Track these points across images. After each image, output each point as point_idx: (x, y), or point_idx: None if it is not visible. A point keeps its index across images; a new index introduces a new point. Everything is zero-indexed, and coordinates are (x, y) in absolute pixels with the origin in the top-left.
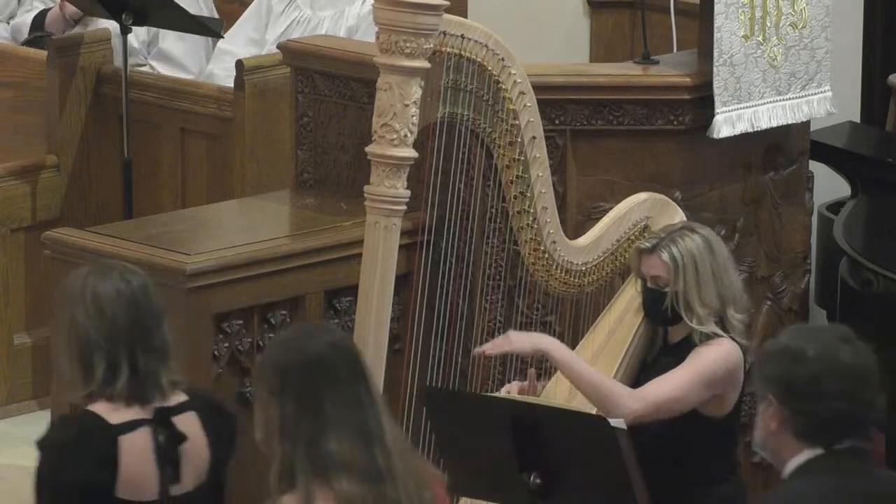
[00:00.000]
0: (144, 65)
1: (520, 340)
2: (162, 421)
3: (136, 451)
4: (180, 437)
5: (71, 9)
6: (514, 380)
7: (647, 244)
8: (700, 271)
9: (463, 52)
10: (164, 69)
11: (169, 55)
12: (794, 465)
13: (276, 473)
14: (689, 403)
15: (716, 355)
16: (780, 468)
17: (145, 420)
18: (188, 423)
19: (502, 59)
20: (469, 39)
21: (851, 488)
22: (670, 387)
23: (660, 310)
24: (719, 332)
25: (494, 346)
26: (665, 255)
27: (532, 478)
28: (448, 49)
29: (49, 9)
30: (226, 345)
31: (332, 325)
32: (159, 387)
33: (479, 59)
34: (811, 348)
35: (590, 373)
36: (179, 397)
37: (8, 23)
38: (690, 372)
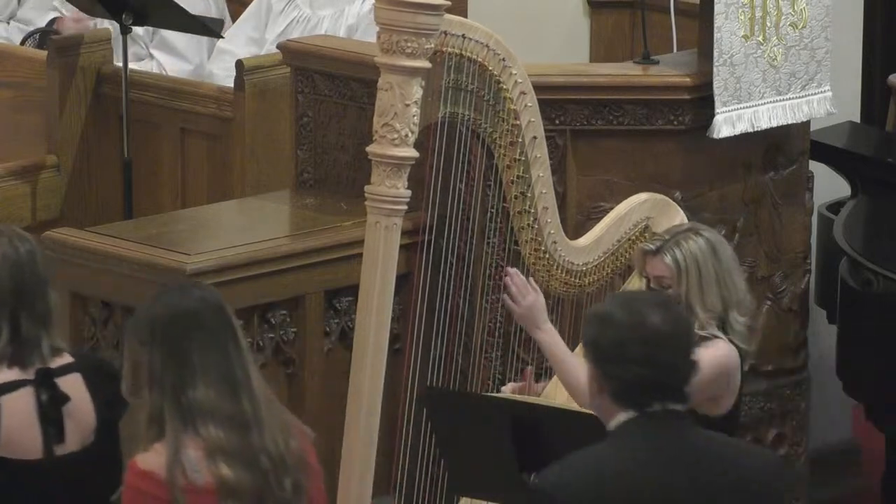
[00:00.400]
0: (144, 57)
1: (525, 314)
2: (44, 381)
3: (18, 411)
4: (63, 398)
5: (70, 29)
6: (514, 380)
7: (651, 246)
8: (703, 275)
9: (464, 52)
10: (164, 59)
11: (171, 45)
12: (612, 426)
13: (146, 422)
14: None
15: (706, 360)
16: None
17: (27, 381)
18: (72, 384)
19: (503, 59)
20: (470, 39)
21: (662, 450)
22: None
23: None
24: (718, 333)
25: (514, 292)
26: (668, 258)
27: (532, 478)
28: (449, 49)
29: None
30: None
31: (204, 283)
32: (39, 351)
33: (479, 59)
34: (620, 313)
35: (580, 377)
36: (64, 359)
37: (8, 23)
38: None
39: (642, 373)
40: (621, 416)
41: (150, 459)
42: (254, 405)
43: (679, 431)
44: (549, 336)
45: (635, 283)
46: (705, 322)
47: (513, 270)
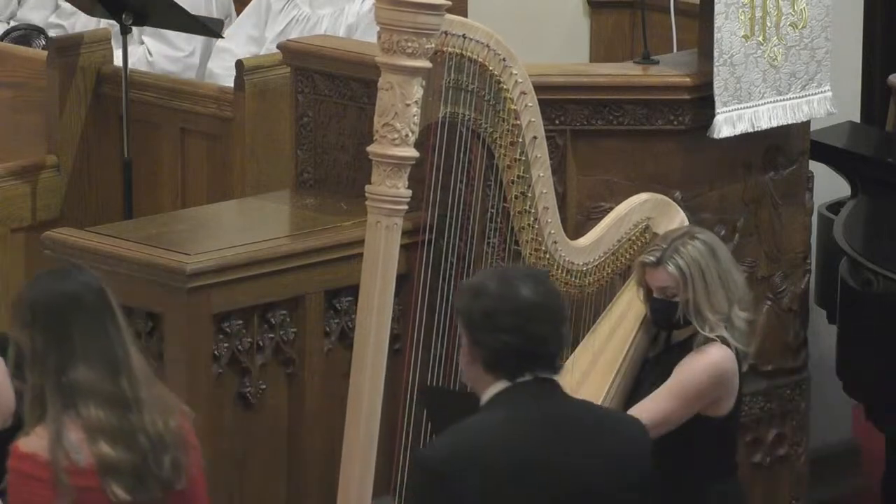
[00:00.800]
0: (134, 43)
1: None
2: None
3: None
4: None
5: None
6: None
7: (651, 257)
8: (707, 279)
9: (464, 52)
10: (152, 44)
11: (161, 32)
12: (486, 397)
13: (28, 405)
14: (675, 423)
15: (701, 368)
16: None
17: None
18: None
19: (504, 59)
20: (470, 39)
21: (535, 417)
22: (649, 415)
23: (671, 320)
24: (724, 334)
25: None
26: (671, 268)
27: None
28: (449, 49)
29: None
30: (226, 345)
31: (84, 266)
32: None
33: (480, 59)
34: (493, 284)
35: None
36: None
37: (8, 23)
38: (672, 394)
39: (512, 342)
40: (495, 387)
41: (33, 442)
42: (133, 386)
43: (550, 399)
44: None
45: (631, 292)
46: (714, 324)
47: None
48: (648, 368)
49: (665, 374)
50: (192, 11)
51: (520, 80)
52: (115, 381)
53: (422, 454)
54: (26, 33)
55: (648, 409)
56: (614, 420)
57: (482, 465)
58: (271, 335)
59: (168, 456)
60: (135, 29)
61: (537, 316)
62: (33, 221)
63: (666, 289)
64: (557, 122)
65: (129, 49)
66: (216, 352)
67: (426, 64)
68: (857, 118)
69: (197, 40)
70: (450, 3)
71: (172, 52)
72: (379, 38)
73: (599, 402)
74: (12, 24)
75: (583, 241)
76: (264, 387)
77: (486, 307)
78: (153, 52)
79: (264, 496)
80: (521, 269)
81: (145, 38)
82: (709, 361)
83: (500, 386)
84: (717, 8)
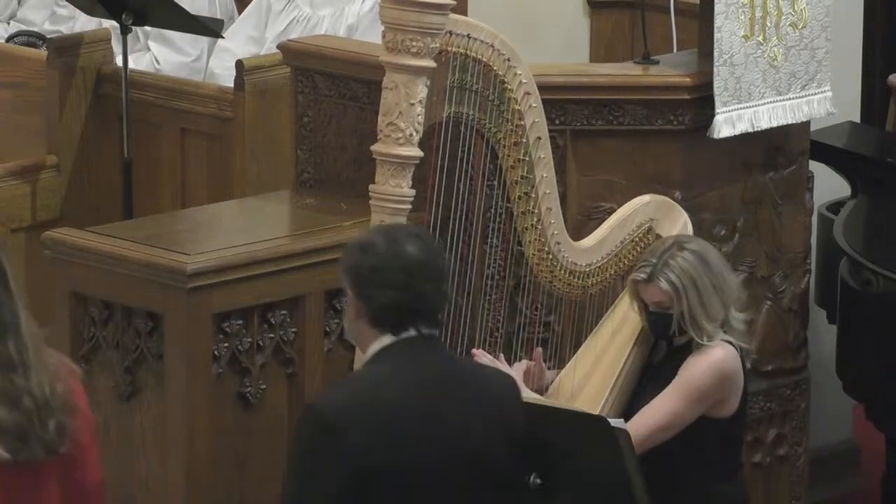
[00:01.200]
0: (141, 49)
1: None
2: None
3: None
4: None
5: None
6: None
7: (643, 275)
8: (701, 289)
9: (469, 52)
10: (159, 50)
11: (166, 36)
12: (370, 352)
13: None
14: (682, 425)
15: (704, 369)
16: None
17: None
18: None
19: (508, 60)
20: (475, 39)
21: (419, 370)
22: (655, 419)
23: (667, 332)
24: (727, 337)
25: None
26: (664, 283)
27: (532, 478)
28: (454, 48)
29: None
30: (226, 345)
31: None
32: None
33: (484, 59)
34: (381, 241)
35: None
36: None
37: (8, 23)
38: (677, 396)
39: (398, 297)
40: (380, 342)
41: None
42: (20, 349)
43: (433, 355)
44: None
45: (626, 304)
46: (711, 333)
47: (478, 352)
48: (652, 373)
49: (668, 378)
50: (195, 12)
51: (524, 81)
52: (1, 344)
53: (313, 405)
54: (29, 41)
55: (655, 413)
56: (490, 377)
57: (371, 417)
58: (271, 335)
59: (53, 419)
60: (140, 36)
61: (422, 273)
62: (33, 221)
63: (660, 303)
64: (557, 122)
65: (136, 57)
66: (216, 352)
67: (431, 63)
68: (857, 118)
69: (202, 43)
70: (454, 2)
71: (180, 58)
72: (383, 37)
73: (601, 404)
74: (12, 25)
75: (586, 241)
76: (264, 387)
77: (374, 263)
78: (160, 59)
79: (264, 496)
80: (406, 227)
81: (151, 45)
82: (712, 361)
83: (385, 341)
84: (717, 8)
